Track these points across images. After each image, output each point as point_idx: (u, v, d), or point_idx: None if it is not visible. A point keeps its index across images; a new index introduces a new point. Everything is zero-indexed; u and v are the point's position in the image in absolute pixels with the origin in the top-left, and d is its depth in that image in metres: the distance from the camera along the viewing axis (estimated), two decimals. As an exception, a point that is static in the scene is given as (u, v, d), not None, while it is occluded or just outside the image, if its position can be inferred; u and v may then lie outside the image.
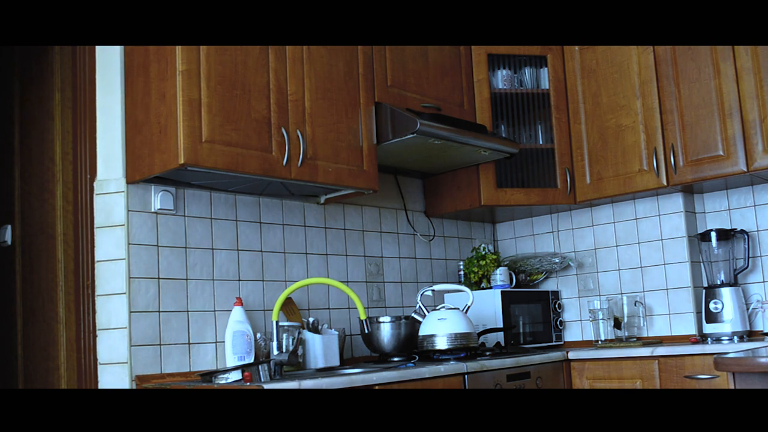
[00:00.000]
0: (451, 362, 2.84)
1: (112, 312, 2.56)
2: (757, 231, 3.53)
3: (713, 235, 3.49)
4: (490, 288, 3.73)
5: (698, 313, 3.54)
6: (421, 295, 3.25)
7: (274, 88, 2.70)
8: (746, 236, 3.47)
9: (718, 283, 3.47)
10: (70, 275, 2.69)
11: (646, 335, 3.66)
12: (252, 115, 2.62)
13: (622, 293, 3.75)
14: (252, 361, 2.68)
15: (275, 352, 2.71)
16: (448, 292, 3.70)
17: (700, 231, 3.60)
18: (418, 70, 3.31)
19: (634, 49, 3.55)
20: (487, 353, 3.18)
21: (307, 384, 2.27)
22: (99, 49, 2.70)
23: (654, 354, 3.14)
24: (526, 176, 3.76)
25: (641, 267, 3.72)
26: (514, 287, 3.80)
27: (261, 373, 2.42)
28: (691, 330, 3.54)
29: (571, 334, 3.93)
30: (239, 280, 2.92)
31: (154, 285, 2.64)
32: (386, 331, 3.08)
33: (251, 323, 2.77)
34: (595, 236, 3.89)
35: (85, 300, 2.61)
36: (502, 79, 3.74)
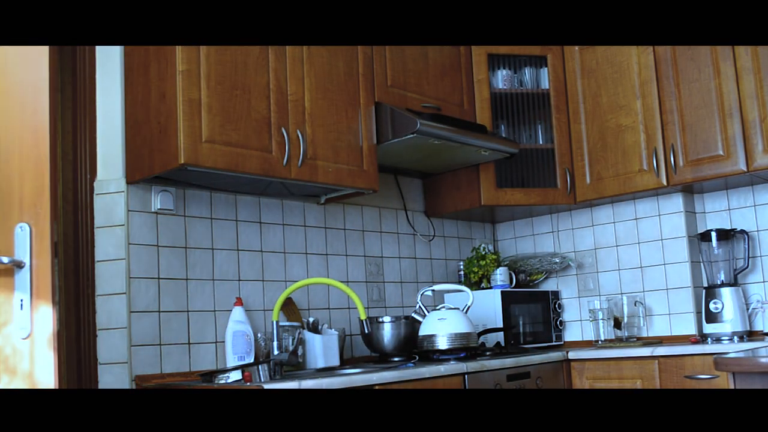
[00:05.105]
0: (451, 362, 2.84)
1: (112, 312, 2.56)
2: (757, 231, 3.53)
3: (713, 235, 3.49)
4: (490, 288, 3.73)
5: (698, 313, 3.54)
6: (421, 295, 3.25)
7: (274, 88, 2.70)
8: (746, 236, 3.47)
9: (718, 283, 3.47)
10: (70, 275, 2.69)
11: (646, 335, 3.66)
12: (252, 115, 2.62)
13: (622, 293, 3.74)
14: (252, 361, 2.68)
15: (275, 352, 2.71)
16: (448, 292, 3.70)
17: (700, 231, 3.60)
18: (418, 70, 3.31)
19: (634, 49, 3.55)
20: (487, 353, 3.18)
21: (307, 384, 2.27)
22: (99, 49, 2.70)
23: (654, 354, 3.14)
24: (526, 176, 3.76)
25: (641, 267, 3.72)
26: (514, 287, 3.80)
27: (261, 373, 2.42)
28: (691, 330, 3.54)
29: (571, 334, 3.93)
30: (239, 280, 2.92)
31: (154, 285, 2.64)
32: (386, 331, 3.08)
33: (251, 323, 2.77)
34: (595, 236, 3.89)
35: (85, 300, 2.61)
36: (502, 79, 3.74)
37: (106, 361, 2.55)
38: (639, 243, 3.73)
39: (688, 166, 3.38)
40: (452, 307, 3.12)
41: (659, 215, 3.67)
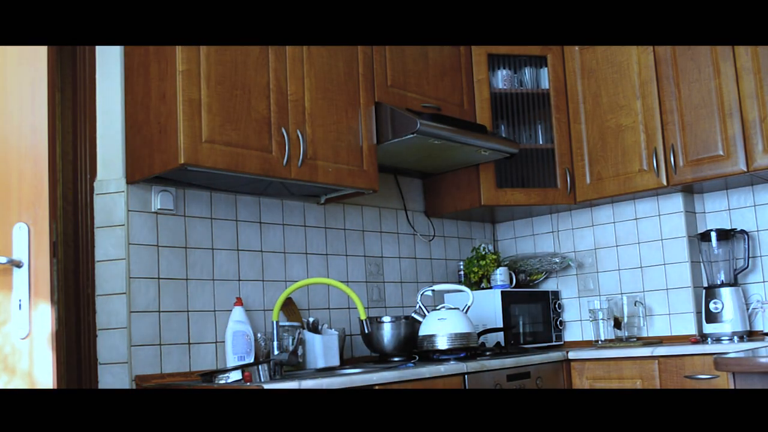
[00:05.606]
0: (451, 362, 2.84)
1: (112, 312, 2.56)
2: (757, 231, 3.53)
3: (713, 235, 3.49)
4: (490, 288, 3.73)
5: (698, 313, 3.54)
6: (421, 295, 3.25)
7: (274, 88, 2.70)
8: (746, 236, 3.47)
9: (718, 283, 3.47)
10: (70, 275, 2.69)
11: (646, 335, 3.66)
12: (252, 115, 2.62)
13: (622, 293, 3.74)
14: (252, 361, 2.68)
15: (275, 352, 2.71)
16: (448, 292, 3.70)
17: (700, 231, 3.60)
18: (418, 70, 3.31)
19: (634, 49, 3.55)
20: (487, 353, 3.18)
21: (307, 384, 2.27)
22: (99, 49, 2.70)
23: (654, 354, 3.14)
24: (526, 176, 3.76)
25: (641, 267, 3.72)
26: (514, 287, 3.80)
27: (261, 373, 2.42)
28: (691, 330, 3.54)
29: (571, 334, 3.93)
30: (239, 280, 2.92)
31: (154, 285, 2.64)
32: (386, 331, 3.08)
33: (251, 323, 2.77)
34: (595, 236, 3.89)
35: (84, 300, 2.61)
36: (502, 79, 3.74)
37: (106, 361, 2.55)
38: (639, 243, 3.73)
39: (688, 166, 3.38)
40: (452, 307, 3.12)
41: (659, 215, 3.67)
